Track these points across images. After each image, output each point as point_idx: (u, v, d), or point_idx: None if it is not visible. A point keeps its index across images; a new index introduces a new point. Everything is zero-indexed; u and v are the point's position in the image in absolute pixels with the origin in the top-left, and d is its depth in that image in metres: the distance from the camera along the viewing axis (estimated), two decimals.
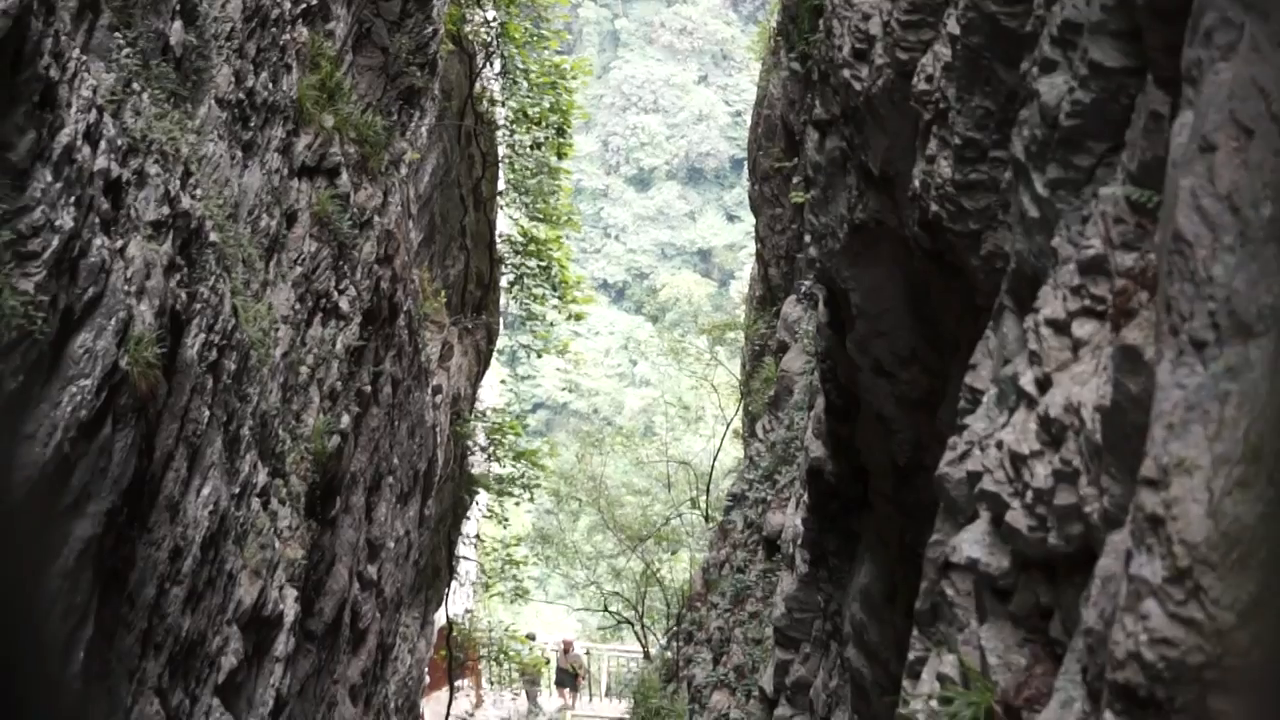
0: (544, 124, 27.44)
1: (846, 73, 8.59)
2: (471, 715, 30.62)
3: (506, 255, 29.49)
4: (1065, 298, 5.44)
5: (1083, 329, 5.34)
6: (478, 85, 25.85)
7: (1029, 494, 5.38)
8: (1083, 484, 4.96)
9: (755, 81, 29.87)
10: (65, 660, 7.66)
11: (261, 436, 11.91)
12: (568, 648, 32.79)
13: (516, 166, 28.56)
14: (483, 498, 30.67)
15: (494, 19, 25.84)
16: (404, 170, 18.56)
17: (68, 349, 7.71)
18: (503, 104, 27.72)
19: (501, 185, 28.61)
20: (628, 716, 26.05)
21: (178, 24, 10.78)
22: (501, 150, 28.30)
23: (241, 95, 12.48)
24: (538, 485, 31.78)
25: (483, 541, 34.42)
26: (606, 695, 33.48)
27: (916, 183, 7.61)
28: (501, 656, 32.40)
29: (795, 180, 19.55)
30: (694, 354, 39.16)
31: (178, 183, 9.74)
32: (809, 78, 11.68)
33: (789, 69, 19.96)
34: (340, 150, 15.10)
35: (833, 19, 8.98)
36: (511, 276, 29.73)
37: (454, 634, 29.36)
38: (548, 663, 32.81)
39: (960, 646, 6.00)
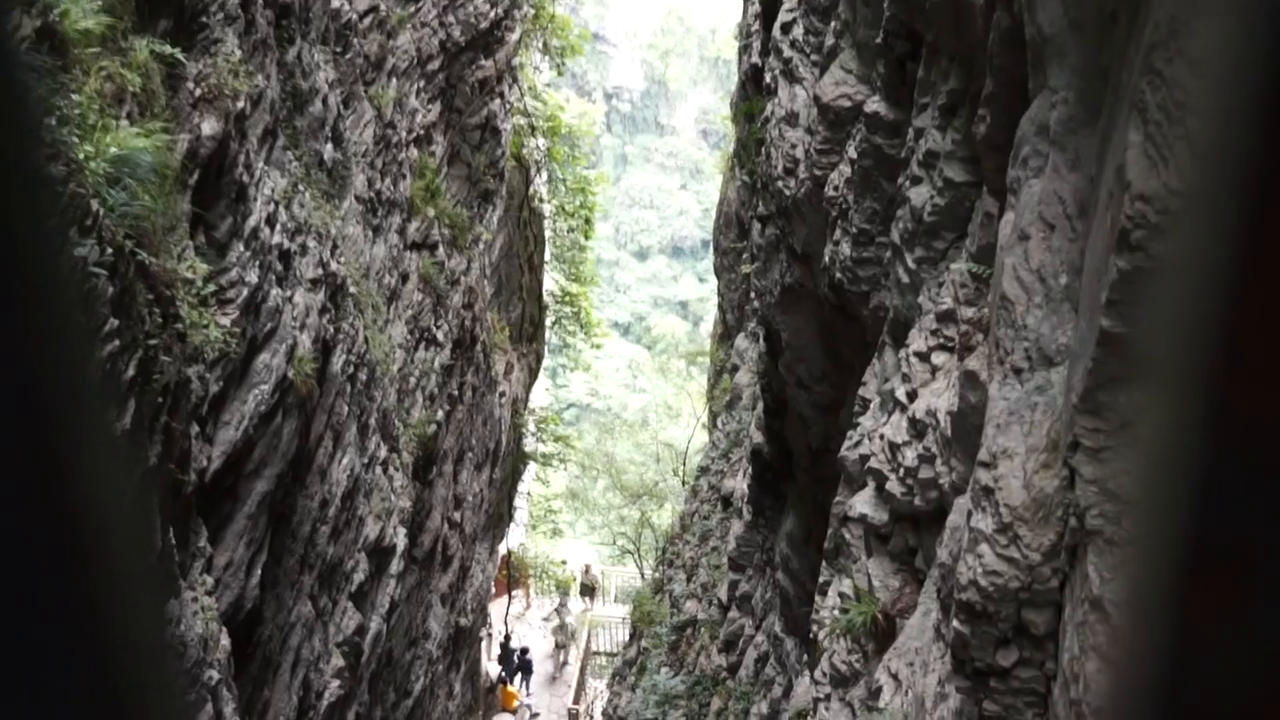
0: (575, 215, 27.56)
1: (780, 183, 8.59)
2: (523, 614, 30.50)
3: (550, 304, 29.53)
4: (927, 337, 5.43)
5: (938, 359, 5.33)
6: (531, 189, 25.86)
7: (901, 470, 5.36)
8: (938, 464, 4.95)
9: (718, 188, 29.88)
10: (248, 575, 7.63)
11: (383, 425, 11.88)
12: (588, 569, 32.62)
13: (557, 244, 28.65)
14: (532, 467, 30.58)
15: (543, 145, 25.87)
16: (481, 246, 18.55)
17: (253, 364, 7.70)
18: (548, 202, 27.78)
19: (547, 256, 28.64)
20: (628, 616, 25.90)
21: (329, 145, 10.79)
22: (547, 233, 28.34)
23: (372, 194, 12.49)
24: (569, 459, 31.77)
25: (531, 496, 34.32)
26: (615, 601, 33.27)
27: (826, 259, 7.60)
28: (543, 575, 32.33)
29: (744, 256, 19.50)
30: (676, 372, 39.22)
31: (328, 253, 9.73)
32: (754, 186, 11.69)
33: (741, 180, 19.94)
34: (438, 232, 15.10)
35: (770, 147, 8.98)
36: (553, 318, 29.77)
37: (511, 559, 29.29)
38: (574, 579, 32.63)
39: (854, 574, 5.97)
